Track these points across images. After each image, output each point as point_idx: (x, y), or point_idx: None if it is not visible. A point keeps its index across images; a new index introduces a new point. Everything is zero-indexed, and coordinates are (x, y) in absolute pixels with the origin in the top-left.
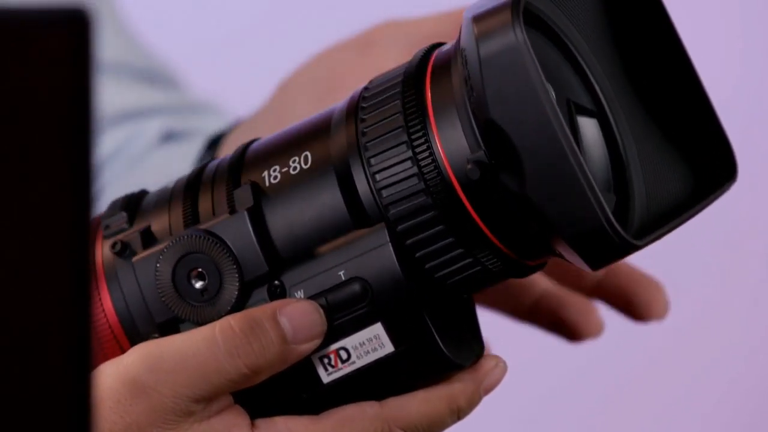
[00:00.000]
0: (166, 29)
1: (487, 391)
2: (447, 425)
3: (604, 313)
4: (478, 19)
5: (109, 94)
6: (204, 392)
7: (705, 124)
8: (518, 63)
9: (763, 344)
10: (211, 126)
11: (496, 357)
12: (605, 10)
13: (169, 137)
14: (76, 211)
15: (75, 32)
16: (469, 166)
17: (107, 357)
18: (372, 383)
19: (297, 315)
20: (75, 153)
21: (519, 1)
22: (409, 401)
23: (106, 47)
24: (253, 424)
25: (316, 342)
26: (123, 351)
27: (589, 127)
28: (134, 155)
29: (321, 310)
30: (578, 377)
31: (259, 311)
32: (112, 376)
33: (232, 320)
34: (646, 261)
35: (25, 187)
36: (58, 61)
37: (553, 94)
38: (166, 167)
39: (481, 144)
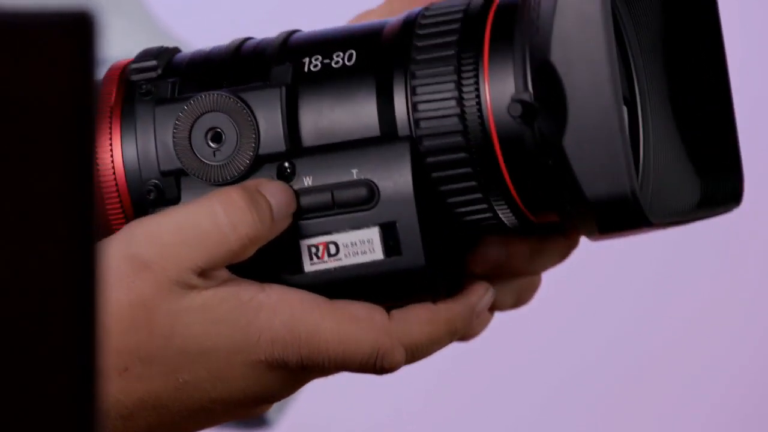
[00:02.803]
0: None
1: (479, 315)
2: (443, 346)
3: (604, 313)
4: None
5: None
6: (205, 263)
7: (723, 147)
8: (595, 14)
9: (762, 344)
10: None
11: (485, 283)
12: (662, 7)
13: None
14: (77, 211)
15: (78, 34)
16: (511, 103)
17: (103, 200)
18: (351, 286)
19: (276, 192)
20: (76, 154)
21: None
22: (413, 319)
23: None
24: (262, 287)
25: (288, 221)
26: (120, 196)
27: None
28: None
29: (292, 192)
30: (578, 378)
31: (251, 184)
32: (114, 254)
33: (233, 192)
34: (646, 260)
35: (25, 189)
36: (61, 63)
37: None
38: None
39: (530, 86)
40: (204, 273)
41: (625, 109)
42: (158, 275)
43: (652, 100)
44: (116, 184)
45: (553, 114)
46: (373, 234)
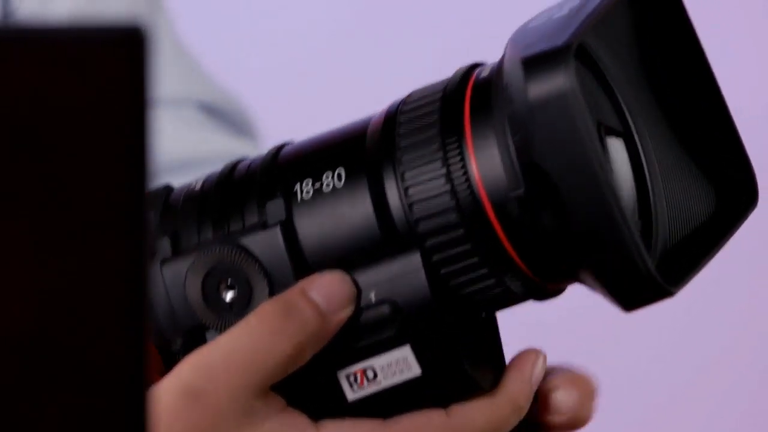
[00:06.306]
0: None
1: (536, 384)
2: (511, 426)
3: (604, 315)
4: (528, 62)
5: (171, 139)
6: (256, 382)
7: (727, 146)
8: (569, 111)
9: (763, 344)
10: None
11: (535, 350)
12: (635, 30)
13: None
14: (131, 229)
15: (130, 49)
16: (509, 203)
17: None
18: (397, 403)
19: (325, 286)
20: (129, 171)
21: (570, 47)
22: (474, 408)
23: (167, 79)
24: (316, 425)
25: (351, 308)
26: None
27: (616, 147)
28: None
29: (347, 277)
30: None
31: (289, 293)
32: (167, 392)
33: (266, 306)
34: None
35: (78, 206)
36: (114, 78)
37: (599, 143)
38: None
39: (521, 180)
40: (261, 395)
41: (620, 141)
42: (212, 406)
43: (647, 123)
44: None
45: (550, 206)
46: (405, 352)
